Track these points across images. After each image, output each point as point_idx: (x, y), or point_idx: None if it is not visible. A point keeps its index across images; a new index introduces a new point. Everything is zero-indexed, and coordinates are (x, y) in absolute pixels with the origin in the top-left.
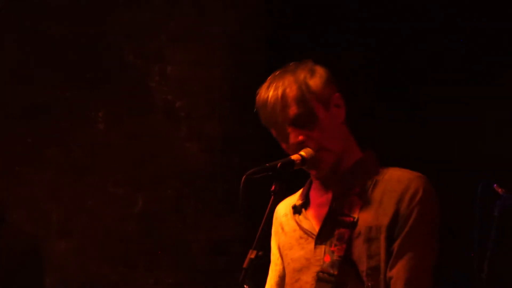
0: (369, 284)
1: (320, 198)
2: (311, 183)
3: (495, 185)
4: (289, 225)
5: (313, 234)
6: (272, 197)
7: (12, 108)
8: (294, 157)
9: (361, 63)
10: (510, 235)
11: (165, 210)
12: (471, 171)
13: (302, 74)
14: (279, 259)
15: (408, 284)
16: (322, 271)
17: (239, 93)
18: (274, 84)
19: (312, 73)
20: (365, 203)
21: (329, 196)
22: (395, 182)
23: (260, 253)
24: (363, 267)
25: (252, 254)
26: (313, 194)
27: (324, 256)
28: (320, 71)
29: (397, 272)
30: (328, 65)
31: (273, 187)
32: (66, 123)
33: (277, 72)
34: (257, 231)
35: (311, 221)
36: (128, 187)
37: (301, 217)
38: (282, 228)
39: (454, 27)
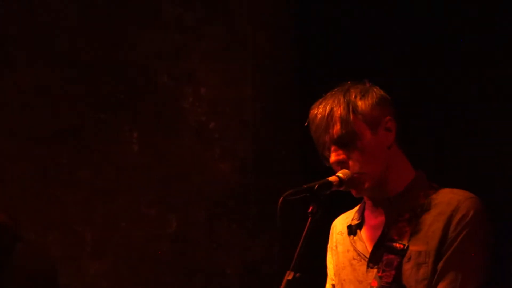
0: None
1: (374, 220)
2: (365, 203)
3: None
4: (344, 244)
5: (366, 257)
6: (310, 218)
7: (45, 129)
8: (332, 178)
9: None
10: None
11: (198, 231)
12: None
13: (353, 94)
14: (336, 273)
15: None
16: None
17: (271, 113)
18: (325, 101)
19: (364, 93)
20: (415, 228)
21: (382, 218)
22: (445, 205)
23: (297, 274)
24: None
25: (289, 276)
26: (367, 214)
27: (372, 281)
28: (374, 93)
29: None
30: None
31: (310, 209)
32: (99, 144)
33: (333, 90)
34: (292, 252)
35: (364, 242)
36: (161, 208)
37: (355, 238)
38: (336, 246)
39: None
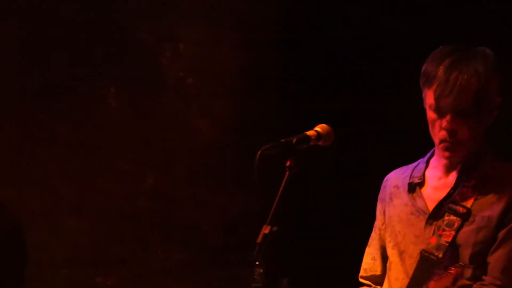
0: (472, 267)
1: (438, 181)
2: (428, 161)
3: None
4: (401, 198)
5: (425, 213)
6: (287, 172)
7: (23, 87)
8: (310, 133)
9: None
10: None
11: (176, 188)
12: None
13: (490, 68)
14: (384, 224)
15: (504, 273)
16: (426, 251)
17: (250, 71)
18: (460, 65)
19: (496, 71)
20: (480, 195)
21: (446, 181)
22: (511, 179)
23: (274, 228)
24: (467, 251)
25: (266, 229)
26: (430, 174)
27: (431, 237)
28: (500, 73)
29: (496, 259)
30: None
31: (288, 163)
32: (77, 100)
33: (463, 48)
34: (270, 208)
35: (425, 200)
36: (139, 164)
37: (415, 195)
38: (391, 199)
39: None
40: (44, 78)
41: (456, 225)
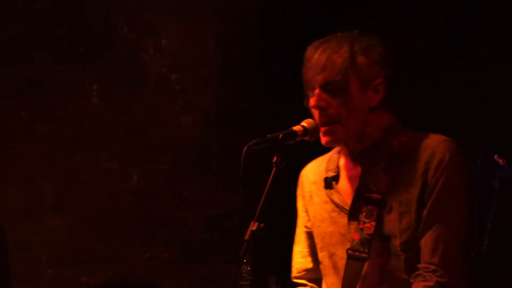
0: (404, 256)
1: (350, 171)
2: (339, 153)
3: (495, 156)
4: (319, 195)
5: (345, 209)
6: (274, 168)
7: (3, 84)
8: (296, 128)
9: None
10: (511, 206)
11: (160, 185)
12: (471, 142)
13: (357, 46)
14: (309, 221)
15: (435, 255)
16: (351, 249)
17: (233, 66)
18: (327, 43)
19: (368, 49)
20: (393, 177)
21: (358, 169)
22: (420, 151)
23: (262, 224)
24: (396, 241)
25: (253, 226)
26: (343, 165)
27: (353, 233)
28: (377, 51)
29: (425, 243)
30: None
31: (274, 159)
32: (58, 97)
33: (339, 34)
34: (255, 206)
35: (342, 195)
36: (122, 162)
37: (332, 190)
38: (311, 197)
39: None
40: (24, 75)
41: (375, 214)
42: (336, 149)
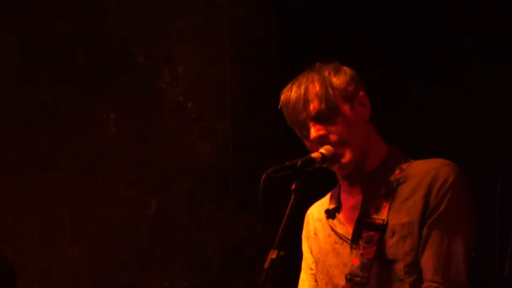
0: (409, 281)
1: (351, 200)
2: (340, 186)
3: None
4: (323, 230)
5: (348, 239)
6: (293, 196)
7: (22, 113)
8: (314, 155)
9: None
10: None
11: (178, 212)
12: (491, 165)
13: (326, 71)
14: (314, 263)
15: (437, 272)
16: (350, 274)
17: (250, 91)
18: (297, 82)
19: (337, 71)
20: (394, 202)
21: (359, 197)
22: (422, 175)
23: (281, 253)
24: (400, 265)
25: (273, 254)
26: (343, 196)
27: (353, 258)
28: (345, 69)
29: (426, 261)
30: (352, 63)
31: (293, 186)
32: (77, 126)
33: (303, 73)
34: (274, 232)
35: (345, 225)
36: (140, 189)
37: (335, 221)
38: (316, 234)
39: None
40: (41, 103)
41: (375, 239)
42: (338, 185)
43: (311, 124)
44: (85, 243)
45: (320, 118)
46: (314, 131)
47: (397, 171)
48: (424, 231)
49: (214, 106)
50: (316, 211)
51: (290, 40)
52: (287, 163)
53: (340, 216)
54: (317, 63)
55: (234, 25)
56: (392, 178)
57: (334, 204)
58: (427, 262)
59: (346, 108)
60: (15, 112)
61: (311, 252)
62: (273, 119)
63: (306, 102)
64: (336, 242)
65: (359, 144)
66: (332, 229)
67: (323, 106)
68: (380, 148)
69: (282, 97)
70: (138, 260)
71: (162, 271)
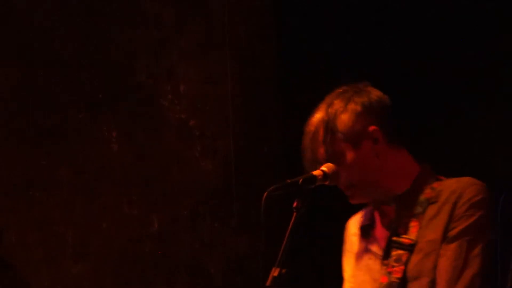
0: None
1: (384, 218)
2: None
3: None
4: (359, 245)
5: (380, 256)
6: (295, 213)
7: (24, 131)
8: (316, 172)
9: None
10: None
11: (181, 230)
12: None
13: (334, 108)
14: (354, 275)
15: (450, 284)
16: None
17: (252, 109)
18: (316, 114)
19: (346, 106)
20: (423, 221)
21: (392, 216)
22: (449, 193)
23: (283, 270)
24: (424, 281)
25: (275, 272)
26: (377, 213)
27: (382, 276)
28: (355, 101)
29: (440, 273)
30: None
31: (295, 204)
32: (79, 144)
33: (326, 98)
34: (276, 250)
35: (377, 242)
36: (142, 207)
37: (369, 238)
38: (352, 248)
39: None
40: (42, 122)
41: (404, 259)
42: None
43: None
44: (87, 261)
45: (331, 160)
46: None
47: (428, 191)
48: (443, 245)
49: (216, 124)
50: (353, 226)
51: (291, 57)
52: (288, 180)
53: (373, 233)
54: (338, 90)
55: (235, 43)
56: (423, 197)
57: (368, 221)
58: (441, 274)
59: (350, 151)
60: (18, 130)
61: (350, 264)
62: (275, 137)
63: (314, 147)
64: (370, 259)
65: (369, 182)
66: (366, 246)
67: (326, 154)
68: (410, 169)
69: (306, 124)
70: (141, 277)
71: None
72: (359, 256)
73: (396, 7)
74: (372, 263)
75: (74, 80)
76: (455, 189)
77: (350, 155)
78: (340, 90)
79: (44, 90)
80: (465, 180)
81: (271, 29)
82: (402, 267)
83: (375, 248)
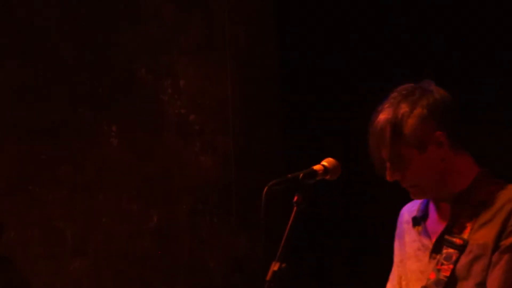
0: None
1: (438, 213)
2: None
3: None
4: (410, 234)
5: (429, 248)
6: (295, 208)
7: (24, 127)
8: (317, 167)
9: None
10: None
11: (180, 226)
12: None
13: (402, 110)
14: (402, 261)
15: None
16: (426, 287)
17: (251, 106)
18: (382, 112)
19: (411, 111)
20: (476, 224)
21: (445, 213)
22: (506, 200)
23: (283, 265)
24: (470, 282)
25: (275, 266)
26: (431, 207)
27: (431, 272)
28: (422, 107)
29: (491, 283)
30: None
31: (295, 198)
32: (78, 140)
33: (393, 96)
34: (276, 247)
35: (428, 235)
36: (141, 203)
37: (420, 229)
38: (403, 236)
39: None
40: (43, 117)
41: (454, 258)
42: None
43: (388, 164)
44: (86, 256)
45: (393, 161)
46: (389, 175)
47: (485, 195)
48: (495, 256)
49: (216, 120)
50: (407, 213)
51: (291, 56)
52: (289, 175)
53: (425, 225)
54: (404, 89)
55: (235, 41)
56: (478, 199)
57: (422, 212)
58: (493, 284)
59: (415, 155)
60: (18, 126)
61: (400, 250)
62: (275, 133)
63: (380, 145)
64: (419, 249)
65: (430, 183)
66: (417, 236)
67: (392, 155)
68: (468, 170)
69: (372, 119)
70: (140, 274)
71: (164, 284)
72: (409, 245)
73: (397, 5)
74: (421, 254)
75: (74, 76)
76: (511, 197)
77: (415, 159)
78: (405, 91)
79: (44, 87)
80: None
81: (270, 28)
82: (451, 266)
83: (425, 240)
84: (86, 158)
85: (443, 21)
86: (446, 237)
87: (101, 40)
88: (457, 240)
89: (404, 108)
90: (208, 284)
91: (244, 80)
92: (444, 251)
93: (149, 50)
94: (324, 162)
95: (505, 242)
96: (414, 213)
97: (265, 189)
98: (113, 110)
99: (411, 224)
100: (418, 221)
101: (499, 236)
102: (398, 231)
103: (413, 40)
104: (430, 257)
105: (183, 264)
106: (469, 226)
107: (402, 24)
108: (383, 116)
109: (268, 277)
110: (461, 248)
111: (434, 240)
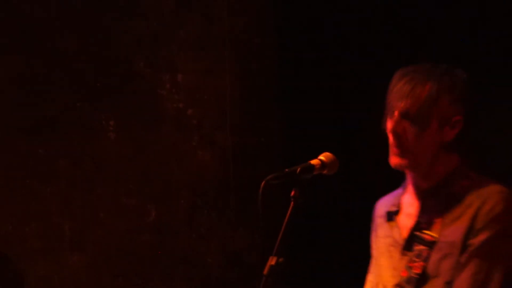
0: None
1: (410, 208)
2: (405, 187)
3: None
4: (383, 229)
5: (400, 245)
6: (292, 202)
7: (22, 121)
8: (314, 162)
9: None
10: None
11: (178, 221)
12: None
13: (443, 84)
14: (376, 257)
15: None
16: (398, 285)
17: (250, 100)
18: (413, 74)
19: (453, 87)
20: (446, 220)
21: (417, 208)
22: (474, 198)
23: (280, 259)
24: (440, 281)
25: (272, 261)
26: (405, 201)
27: (403, 270)
28: (461, 89)
29: (459, 285)
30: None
31: (292, 193)
32: (77, 133)
33: (428, 65)
34: (273, 241)
35: (400, 230)
36: (140, 197)
37: (393, 224)
38: (377, 230)
39: None
40: (41, 112)
41: (424, 254)
42: (404, 185)
43: (396, 116)
44: (85, 251)
45: (407, 116)
46: (394, 125)
47: (457, 188)
48: (463, 257)
49: (214, 114)
50: (381, 207)
51: (290, 49)
52: (286, 170)
53: (398, 220)
54: (444, 66)
55: (234, 35)
56: (449, 193)
57: (395, 207)
58: (461, 284)
59: (435, 127)
60: (15, 120)
61: (374, 244)
62: (273, 127)
63: (406, 97)
64: (391, 245)
65: (422, 159)
66: (390, 231)
67: (416, 110)
68: (448, 164)
69: (394, 77)
70: (138, 268)
71: (162, 279)
72: (382, 240)
73: (397, 3)
74: (394, 250)
75: (73, 69)
76: (481, 193)
77: (432, 130)
78: (445, 68)
79: (43, 80)
80: (493, 186)
81: (270, 22)
82: (422, 263)
83: (397, 235)
84: (84, 153)
85: (443, 21)
86: (416, 233)
87: (100, 34)
88: (426, 237)
89: (446, 83)
90: (206, 278)
91: (243, 74)
92: (416, 247)
93: (147, 44)
94: (322, 157)
95: (473, 241)
96: (388, 207)
97: (263, 184)
98: (111, 104)
99: (384, 218)
100: (391, 216)
101: (467, 234)
102: (373, 225)
103: (415, 37)
104: (402, 253)
105: (181, 258)
106: (438, 222)
107: (404, 20)
108: (423, 77)
109: (265, 271)
110: (431, 245)
111: (405, 236)
